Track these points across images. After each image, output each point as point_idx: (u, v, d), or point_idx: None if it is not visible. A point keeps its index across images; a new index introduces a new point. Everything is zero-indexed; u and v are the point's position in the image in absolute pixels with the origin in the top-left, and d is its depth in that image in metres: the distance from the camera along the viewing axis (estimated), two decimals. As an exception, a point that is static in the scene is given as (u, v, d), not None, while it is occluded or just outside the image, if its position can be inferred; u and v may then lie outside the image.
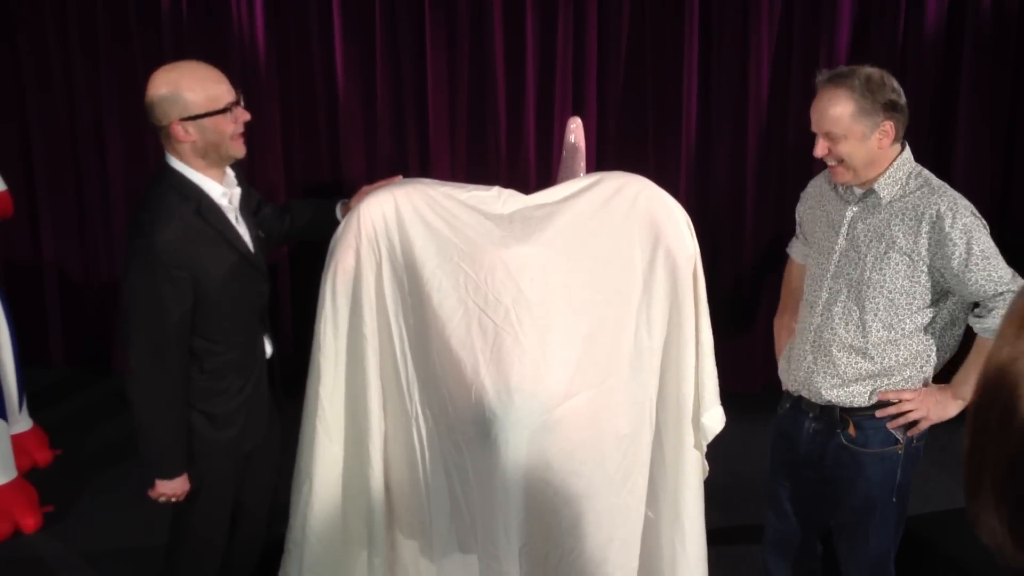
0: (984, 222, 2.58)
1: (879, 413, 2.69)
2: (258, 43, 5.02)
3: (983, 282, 2.54)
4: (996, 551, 0.85)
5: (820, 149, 2.64)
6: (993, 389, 0.83)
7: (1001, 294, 2.55)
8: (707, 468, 2.84)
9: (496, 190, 2.76)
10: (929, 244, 2.56)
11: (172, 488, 2.68)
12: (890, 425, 2.69)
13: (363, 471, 2.77)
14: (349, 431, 2.79)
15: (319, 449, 2.76)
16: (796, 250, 3.03)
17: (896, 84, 2.60)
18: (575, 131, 3.10)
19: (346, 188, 5.05)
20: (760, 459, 3.18)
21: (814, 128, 2.65)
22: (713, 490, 2.92)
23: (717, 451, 2.86)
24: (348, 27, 5.01)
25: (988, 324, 2.58)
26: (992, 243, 2.56)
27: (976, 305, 2.64)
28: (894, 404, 2.68)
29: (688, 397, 2.75)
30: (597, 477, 2.65)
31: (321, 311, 2.72)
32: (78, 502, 4.16)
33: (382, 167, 5.09)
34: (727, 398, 2.83)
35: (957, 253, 2.52)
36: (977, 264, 2.52)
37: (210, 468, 2.75)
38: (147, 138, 5.22)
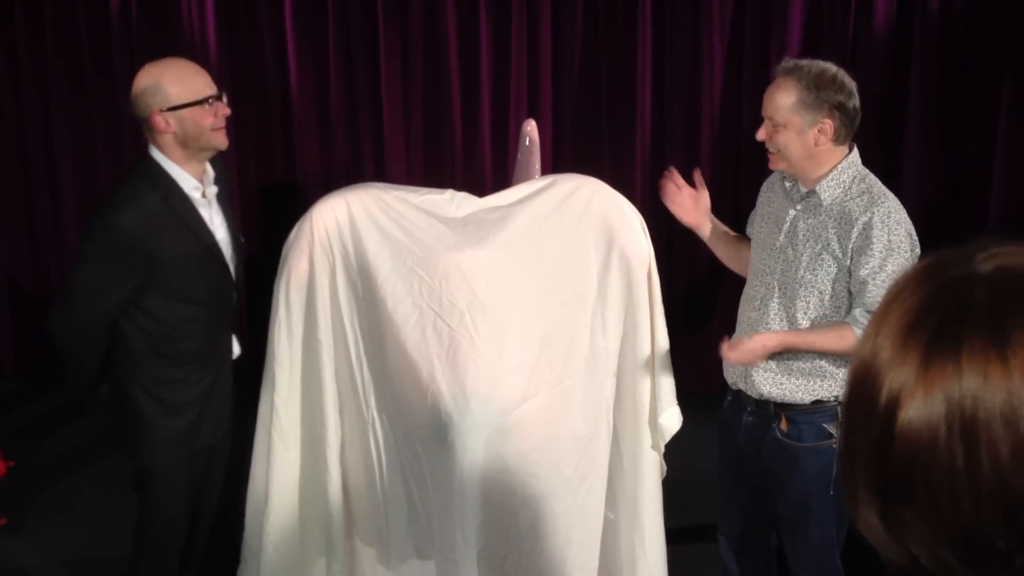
0: (914, 243, 2.59)
1: (728, 353, 2.64)
2: (210, 49, 4.96)
3: (879, 298, 2.53)
4: (877, 546, 0.88)
5: (761, 133, 2.69)
6: (859, 384, 0.86)
7: None
8: (665, 468, 2.85)
9: (450, 193, 2.75)
10: (853, 249, 2.58)
11: None
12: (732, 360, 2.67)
13: (320, 478, 2.75)
14: (305, 438, 2.77)
15: (275, 457, 2.74)
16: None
17: (852, 86, 2.61)
18: (530, 133, 3.11)
19: (302, 191, 5.02)
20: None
21: (762, 112, 2.68)
22: (672, 489, 2.92)
23: (675, 451, 2.87)
24: (300, 30, 4.97)
25: (863, 324, 2.55)
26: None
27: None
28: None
29: (645, 397, 2.76)
30: (554, 479, 2.65)
31: (275, 318, 2.70)
32: (31, 515, 4.08)
33: (337, 169, 5.05)
34: (684, 398, 2.84)
35: (871, 264, 2.55)
36: (884, 281, 2.54)
37: (159, 456, 2.79)
38: (97, 142, 5.15)
